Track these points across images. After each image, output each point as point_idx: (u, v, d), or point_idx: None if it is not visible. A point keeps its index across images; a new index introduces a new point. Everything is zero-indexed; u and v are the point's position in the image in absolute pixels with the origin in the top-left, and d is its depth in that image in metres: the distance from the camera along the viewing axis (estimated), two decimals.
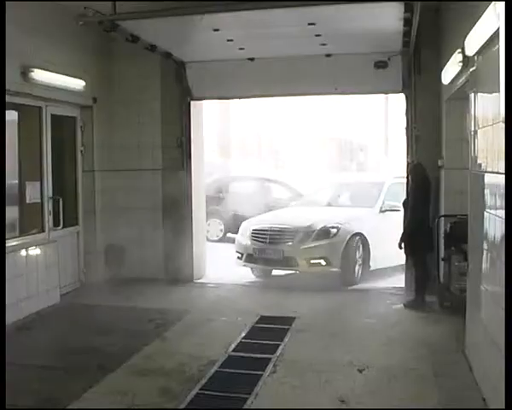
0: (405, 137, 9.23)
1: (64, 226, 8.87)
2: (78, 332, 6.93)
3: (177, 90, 9.89)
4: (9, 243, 7.65)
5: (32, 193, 8.36)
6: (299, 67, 9.24)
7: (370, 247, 9.98)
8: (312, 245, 9.61)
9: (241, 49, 8.80)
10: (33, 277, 7.90)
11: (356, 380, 5.62)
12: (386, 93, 9.68)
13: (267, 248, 9.83)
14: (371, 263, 10.00)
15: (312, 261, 9.55)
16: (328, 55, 9.13)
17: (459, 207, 7.42)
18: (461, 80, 6.55)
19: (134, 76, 9.65)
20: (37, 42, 7.83)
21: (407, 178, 8.85)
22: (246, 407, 5.00)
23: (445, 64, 7.14)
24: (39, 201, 8.47)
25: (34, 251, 8.00)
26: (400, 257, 8.99)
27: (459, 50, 6.10)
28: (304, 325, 7.29)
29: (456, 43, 6.38)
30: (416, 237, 8.06)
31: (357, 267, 9.82)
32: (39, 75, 7.75)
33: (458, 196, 7.66)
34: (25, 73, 7.59)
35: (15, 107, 7.95)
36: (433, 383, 5.45)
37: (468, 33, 5.24)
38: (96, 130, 9.48)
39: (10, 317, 7.34)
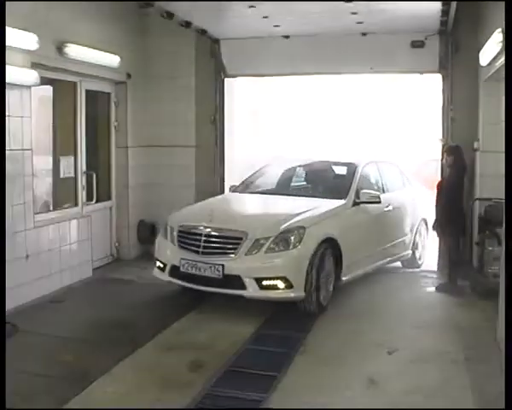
0: (441, 119, 9.11)
1: (97, 201, 8.93)
2: (109, 306, 6.99)
3: (212, 67, 9.88)
4: (44, 217, 7.75)
5: (66, 168, 8.42)
6: (334, 46, 9.16)
7: (343, 255, 7.29)
8: (266, 259, 6.70)
9: (276, 26, 8.72)
10: (66, 250, 7.98)
11: (386, 362, 5.61)
12: (423, 73, 9.46)
13: (200, 262, 6.80)
14: (343, 274, 7.39)
15: (266, 283, 6.63)
16: (363, 34, 9.02)
17: (494, 191, 7.32)
18: (500, 61, 6.42)
19: (168, 53, 9.63)
20: (73, 17, 7.85)
21: (442, 160, 8.74)
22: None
23: (484, 44, 7.00)
24: (73, 175, 8.53)
25: (68, 225, 8.08)
26: (379, 256, 8.28)
27: (499, 30, 5.97)
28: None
29: (495, 22, 6.25)
30: (450, 221, 7.96)
31: (323, 293, 7.01)
32: (74, 50, 7.77)
33: (494, 180, 7.55)
34: (60, 49, 7.61)
35: (50, 82, 8.00)
36: (463, 368, 5.41)
37: None
38: (130, 106, 9.49)
39: (43, 289, 7.47)
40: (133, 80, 9.42)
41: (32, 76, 7.01)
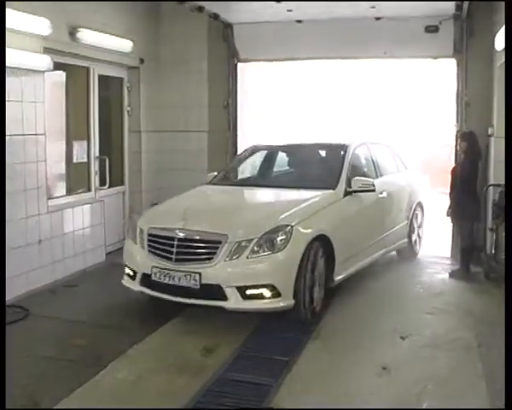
0: (455, 104, 9.04)
1: (110, 186, 8.95)
2: (122, 290, 7.02)
3: (224, 51, 9.85)
4: (57, 202, 7.78)
5: (79, 153, 8.44)
6: (347, 31, 9.09)
7: (336, 253, 6.56)
8: (249, 265, 5.86)
9: (289, 10, 8.66)
10: (80, 235, 8.02)
11: (398, 348, 5.61)
12: (437, 58, 9.36)
13: (174, 270, 5.95)
14: (336, 274, 6.67)
15: (250, 292, 5.81)
16: (377, 19, 8.95)
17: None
18: None
19: (181, 37, 9.60)
20: (85, 3, 7.83)
21: (456, 145, 8.69)
22: None
23: (499, 29, 6.93)
24: (86, 160, 8.55)
25: (81, 210, 8.11)
26: (373, 248, 7.68)
27: None
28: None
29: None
30: (464, 206, 7.93)
31: (315, 294, 6.28)
32: (87, 35, 7.77)
33: None
34: (73, 33, 7.61)
35: (63, 67, 8.00)
36: (476, 354, 5.40)
37: None
38: (143, 90, 9.49)
39: (57, 274, 7.52)
40: (146, 65, 9.41)
41: (45, 61, 7.02)
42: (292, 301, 5.93)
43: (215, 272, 5.84)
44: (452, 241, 9.02)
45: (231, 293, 5.80)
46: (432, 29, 8.77)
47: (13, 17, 6.37)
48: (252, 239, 5.90)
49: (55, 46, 7.33)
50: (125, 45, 8.68)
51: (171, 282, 5.96)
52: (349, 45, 9.21)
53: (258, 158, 8.66)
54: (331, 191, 7.00)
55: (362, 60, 10.60)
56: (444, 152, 14.34)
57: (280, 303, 5.88)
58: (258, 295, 5.85)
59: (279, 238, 5.94)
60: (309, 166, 8.04)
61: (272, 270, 5.89)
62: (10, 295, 6.65)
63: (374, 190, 7.21)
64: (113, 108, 9.34)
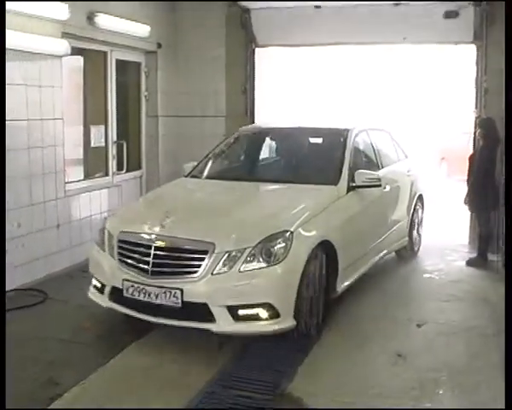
0: (474, 91, 8.95)
1: (127, 171, 8.97)
2: None
3: (242, 37, 9.79)
4: (75, 186, 7.82)
5: (96, 137, 8.46)
6: (365, 16, 9.00)
7: (339, 260, 5.70)
8: (242, 280, 4.93)
9: None
10: (97, 219, 8.04)
11: (415, 335, 5.61)
12: (456, 44, 9.26)
13: (150, 285, 5.02)
14: (339, 283, 5.81)
15: (242, 312, 4.92)
16: (396, 4, 8.86)
17: None
18: None
19: (199, 22, 9.56)
20: None
21: (475, 132, 8.61)
22: None
23: None
24: (104, 145, 8.58)
25: (98, 194, 8.15)
26: (375, 251, 6.91)
27: None
28: None
29: None
30: (481, 194, 7.87)
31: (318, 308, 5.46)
32: (105, 20, 7.77)
33: None
34: (90, 18, 7.61)
35: (81, 52, 8.01)
36: (493, 343, 5.37)
37: None
38: (160, 75, 9.48)
39: (75, 258, 7.56)
40: (163, 51, 9.39)
41: (63, 46, 7.04)
42: (293, 323, 5.06)
43: (200, 288, 4.91)
44: (470, 229, 8.96)
45: (220, 313, 4.89)
46: (451, 15, 8.67)
47: (32, 2, 6.40)
48: (244, 248, 4.96)
49: (73, 31, 7.34)
50: (143, 30, 8.68)
51: (146, 299, 5.03)
52: (367, 31, 9.11)
53: (245, 145, 7.82)
54: (332, 187, 6.12)
55: (380, 46, 10.52)
56: (462, 139, 14.25)
57: (279, 325, 4.98)
58: (252, 316, 4.93)
59: (277, 247, 5.02)
60: (306, 156, 7.20)
61: (270, 286, 4.96)
62: (30, 279, 6.76)
63: (380, 185, 6.41)
64: (130, 92, 9.34)
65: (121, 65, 8.83)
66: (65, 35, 7.14)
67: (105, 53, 8.42)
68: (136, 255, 5.20)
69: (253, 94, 9.88)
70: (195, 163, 7.18)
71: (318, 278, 5.37)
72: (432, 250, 8.79)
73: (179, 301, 4.92)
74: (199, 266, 4.95)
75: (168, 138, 9.67)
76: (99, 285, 5.54)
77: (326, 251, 5.50)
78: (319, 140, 7.45)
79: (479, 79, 8.82)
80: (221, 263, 4.93)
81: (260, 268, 4.95)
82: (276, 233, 5.08)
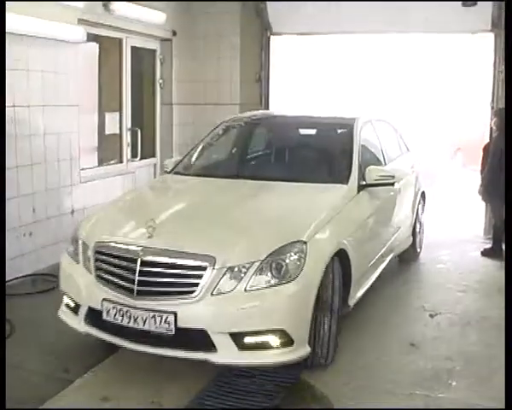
0: (491, 80, 8.87)
1: (141, 158, 8.98)
2: None
3: (257, 25, 9.78)
4: (89, 173, 7.85)
5: (111, 124, 8.48)
6: (382, 5, 8.95)
7: (352, 270, 4.93)
8: (248, 302, 4.10)
9: None
10: None
11: (427, 325, 5.60)
12: (474, 32, 9.18)
13: (136, 307, 4.17)
14: (351, 297, 5.07)
15: (249, 340, 4.12)
16: None
17: None
18: None
19: (214, 10, 9.53)
20: None
21: (490, 123, 8.55)
22: None
23: None
24: (118, 132, 8.59)
25: (113, 181, 8.17)
26: (383, 257, 6.18)
27: None
28: None
29: None
30: (495, 184, 7.82)
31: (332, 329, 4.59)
32: (120, 7, 7.76)
33: None
34: (106, 5, 7.61)
35: (96, 38, 8.02)
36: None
37: None
38: (175, 63, 9.48)
39: None
40: (178, 38, 9.38)
41: (78, 33, 7.04)
42: (307, 350, 4.29)
43: (198, 311, 4.05)
44: (485, 219, 8.91)
45: (222, 342, 4.05)
46: (469, 3, 8.59)
47: None
48: (251, 263, 4.10)
49: (89, 18, 7.35)
50: (158, 17, 8.66)
51: (131, 324, 4.13)
52: (384, 19, 9.06)
53: (238, 136, 6.85)
54: (342, 187, 5.34)
55: (397, 35, 10.44)
56: (479, 130, 14.15)
57: (292, 355, 4.18)
58: (261, 344, 4.12)
59: (290, 261, 4.17)
60: (308, 149, 6.34)
61: (283, 308, 4.13)
62: (44, 265, 6.79)
63: (393, 184, 5.76)
64: (145, 80, 9.35)
65: (136, 52, 8.83)
66: (81, 22, 7.14)
67: (120, 40, 8.42)
68: (117, 271, 4.25)
69: (268, 82, 9.88)
70: (179, 157, 6.45)
71: (334, 295, 4.59)
72: (446, 241, 8.75)
73: (172, 327, 4.03)
74: (196, 284, 4.05)
75: (182, 126, 9.67)
76: (72, 304, 4.63)
77: (341, 264, 4.71)
78: (323, 131, 6.55)
79: (496, 68, 8.74)
80: (223, 281, 4.07)
81: (270, 286, 4.09)
82: (288, 244, 4.23)
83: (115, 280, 4.25)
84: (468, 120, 17.42)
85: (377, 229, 5.87)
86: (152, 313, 4.07)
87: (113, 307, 4.19)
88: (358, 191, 5.42)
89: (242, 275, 4.09)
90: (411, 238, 7.46)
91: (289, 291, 4.12)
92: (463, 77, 18.44)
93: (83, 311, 4.48)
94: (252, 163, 6.65)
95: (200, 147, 6.46)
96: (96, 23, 7.58)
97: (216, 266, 4.06)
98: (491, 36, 8.80)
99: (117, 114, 8.54)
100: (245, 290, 4.07)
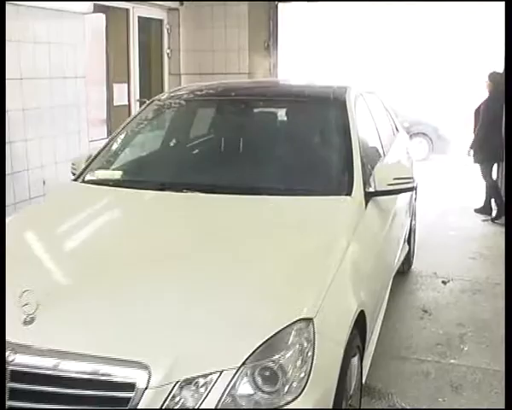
0: (503, 50, 8.73)
1: None
2: None
3: None
4: (98, 145, 7.78)
5: (119, 95, 8.46)
6: None
7: (367, 332, 3.13)
8: None
9: None
10: None
11: (440, 292, 5.60)
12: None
13: None
14: (364, 366, 3.24)
15: None
16: None
17: None
18: None
19: None
20: None
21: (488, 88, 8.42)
22: None
23: None
24: (127, 103, 8.56)
25: None
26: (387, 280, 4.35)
27: None
28: None
29: None
30: (485, 146, 7.87)
31: None
32: None
33: None
34: None
35: (103, 9, 7.96)
36: None
37: None
38: (183, 33, 9.42)
39: None
40: (186, 8, 9.31)
41: (85, 3, 6.99)
42: None
43: None
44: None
45: None
46: None
47: None
48: (219, 372, 2.18)
49: None
50: None
51: None
52: None
53: (178, 120, 4.78)
54: (345, 199, 3.41)
55: (410, 4, 10.31)
56: None
57: None
58: None
59: (290, 363, 2.25)
60: (286, 139, 4.18)
61: None
62: None
63: (414, 189, 4.20)
64: (153, 50, 9.30)
65: (143, 22, 8.78)
66: None
67: (127, 10, 8.37)
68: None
69: (277, 50, 9.80)
70: (91, 154, 4.34)
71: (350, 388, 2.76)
72: (455, 209, 8.77)
73: None
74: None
75: None
76: None
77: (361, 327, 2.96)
78: (304, 110, 4.34)
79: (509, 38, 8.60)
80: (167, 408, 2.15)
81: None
82: (282, 330, 2.29)
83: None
84: (480, 95, 17.27)
85: (387, 253, 4.15)
86: None
87: None
88: (366, 203, 3.51)
89: (202, 395, 2.16)
90: (407, 246, 5.69)
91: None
92: (477, 42, 18.26)
93: None
94: (200, 166, 4.06)
95: (121, 137, 4.39)
96: None
97: (151, 383, 2.14)
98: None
99: (125, 85, 8.51)
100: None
